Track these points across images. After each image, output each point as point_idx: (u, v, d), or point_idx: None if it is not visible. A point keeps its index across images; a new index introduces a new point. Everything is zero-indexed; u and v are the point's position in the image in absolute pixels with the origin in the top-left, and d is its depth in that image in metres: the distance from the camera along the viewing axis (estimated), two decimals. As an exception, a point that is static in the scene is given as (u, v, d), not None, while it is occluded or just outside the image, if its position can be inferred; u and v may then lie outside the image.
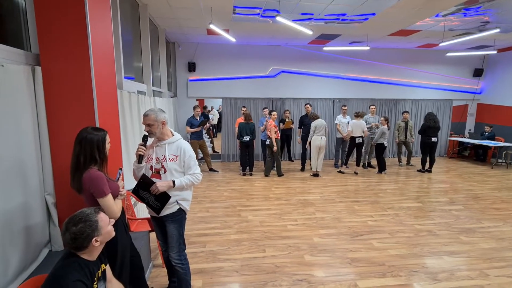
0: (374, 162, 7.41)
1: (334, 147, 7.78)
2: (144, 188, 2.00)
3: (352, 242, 3.44)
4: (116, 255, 1.77)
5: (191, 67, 7.58)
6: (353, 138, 6.49)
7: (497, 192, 5.44)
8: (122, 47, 3.48)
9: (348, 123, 6.79)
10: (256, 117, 7.72)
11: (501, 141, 7.75)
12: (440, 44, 6.57)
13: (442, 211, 4.44)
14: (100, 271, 1.48)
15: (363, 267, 2.92)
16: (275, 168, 6.58)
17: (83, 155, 1.69)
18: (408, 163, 7.64)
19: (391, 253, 3.19)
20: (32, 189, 1.95)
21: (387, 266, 2.94)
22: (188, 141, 5.28)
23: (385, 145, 6.62)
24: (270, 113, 6.35)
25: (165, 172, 2.07)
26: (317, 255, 3.15)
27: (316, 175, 6.44)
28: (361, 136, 6.47)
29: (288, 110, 7.23)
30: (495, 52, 7.47)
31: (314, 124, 6.21)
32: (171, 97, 7.08)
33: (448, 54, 7.86)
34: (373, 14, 5.08)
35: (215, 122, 12.17)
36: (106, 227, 1.43)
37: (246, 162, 6.53)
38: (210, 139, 8.85)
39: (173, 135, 2.16)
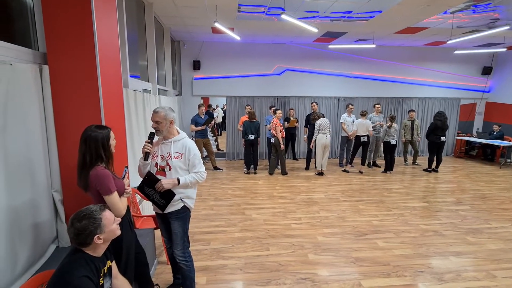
0: (379, 161, 7.36)
1: (338, 146, 7.74)
2: (149, 185, 2.04)
3: (356, 241, 3.43)
4: (121, 252, 1.79)
5: (196, 65, 7.60)
6: (358, 137, 6.44)
7: (505, 192, 5.35)
8: (128, 45, 3.50)
9: (353, 122, 6.74)
10: (261, 116, 7.71)
11: (510, 141, 7.60)
12: (448, 42, 6.45)
13: (449, 211, 4.39)
14: (106, 267, 1.49)
15: (367, 266, 2.90)
16: (279, 167, 6.58)
17: (89, 154, 1.71)
18: (414, 162, 7.56)
19: (396, 253, 3.17)
20: (40, 186, 1.98)
21: (391, 266, 2.92)
22: (192, 139, 5.30)
23: (392, 143, 6.53)
24: (275, 112, 6.34)
25: (170, 169, 2.09)
26: (321, 254, 3.14)
27: (320, 174, 6.41)
28: (367, 135, 6.42)
29: (292, 109, 7.21)
30: (504, 49, 7.33)
31: (318, 122, 6.18)
32: (176, 95, 7.11)
33: (456, 52, 7.74)
34: (380, 11, 5.03)
35: (219, 120, 12.20)
36: (110, 225, 1.43)
37: (251, 161, 6.54)
38: (215, 137, 8.88)
39: (179, 133, 2.19)
